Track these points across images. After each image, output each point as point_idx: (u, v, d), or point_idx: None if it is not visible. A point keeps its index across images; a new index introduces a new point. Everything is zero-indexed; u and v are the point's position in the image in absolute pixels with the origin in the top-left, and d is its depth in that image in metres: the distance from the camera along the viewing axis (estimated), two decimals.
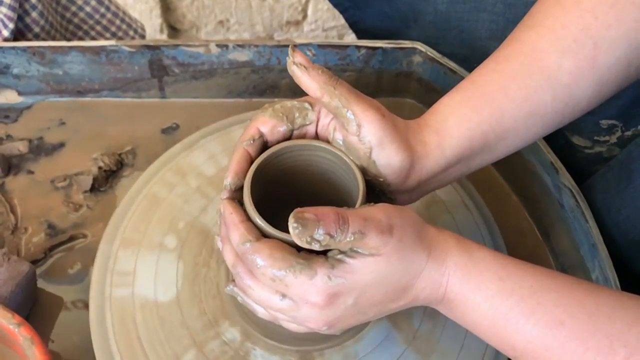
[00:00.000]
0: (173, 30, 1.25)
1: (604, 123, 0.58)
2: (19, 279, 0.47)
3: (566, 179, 0.54)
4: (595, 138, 0.59)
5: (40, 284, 0.51)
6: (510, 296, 0.36)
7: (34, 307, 0.50)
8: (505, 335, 0.36)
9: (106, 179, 0.58)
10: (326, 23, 1.25)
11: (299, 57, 0.38)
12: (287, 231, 0.36)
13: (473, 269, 0.37)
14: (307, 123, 0.41)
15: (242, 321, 0.46)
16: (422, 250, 0.37)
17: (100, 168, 0.58)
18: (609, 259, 0.49)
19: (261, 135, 0.41)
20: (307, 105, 0.41)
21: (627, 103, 0.56)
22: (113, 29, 0.73)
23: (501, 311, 0.36)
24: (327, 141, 0.42)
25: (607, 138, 0.59)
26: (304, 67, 0.38)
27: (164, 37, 1.24)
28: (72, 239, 0.55)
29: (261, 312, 0.40)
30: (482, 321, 0.37)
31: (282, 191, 0.43)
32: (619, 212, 0.51)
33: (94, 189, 0.58)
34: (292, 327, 0.39)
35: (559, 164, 0.55)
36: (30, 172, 0.59)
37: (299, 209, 0.34)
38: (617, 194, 0.51)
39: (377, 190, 0.42)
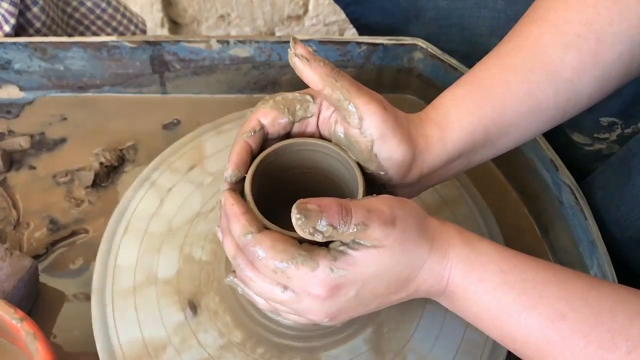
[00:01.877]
0: (174, 24, 1.25)
1: (604, 120, 0.58)
2: (22, 274, 0.47)
3: (566, 176, 0.54)
4: (595, 135, 0.59)
5: (42, 278, 0.51)
6: (513, 289, 0.36)
7: (36, 302, 0.50)
8: (506, 327, 0.36)
9: (107, 175, 0.59)
10: (327, 18, 1.25)
11: (300, 49, 0.38)
12: (288, 228, 0.36)
13: (475, 261, 0.37)
14: (308, 115, 0.41)
15: (242, 315, 0.46)
16: (424, 242, 0.37)
17: (101, 164, 0.58)
18: (608, 256, 0.49)
19: (262, 127, 0.41)
20: (308, 97, 0.41)
21: (627, 101, 0.56)
22: (114, 24, 0.73)
23: (503, 304, 0.36)
24: (328, 134, 0.42)
25: (607, 135, 0.59)
26: (306, 59, 0.38)
27: (165, 31, 1.24)
28: (73, 234, 0.55)
29: (262, 303, 0.40)
30: (484, 314, 0.37)
31: (282, 188, 0.43)
32: (618, 209, 0.51)
33: (96, 184, 0.58)
34: (293, 318, 0.39)
35: (558, 162, 0.55)
36: (32, 168, 0.59)
37: (301, 200, 0.34)
38: (616, 191, 0.51)
39: (378, 184, 0.42)
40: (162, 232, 0.51)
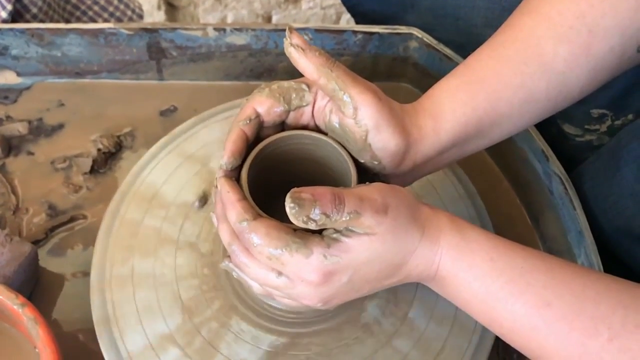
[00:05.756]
0: (171, 7, 1.24)
1: (595, 112, 0.58)
2: (22, 259, 0.48)
3: (556, 166, 0.55)
4: (586, 127, 0.60)
5: (42, 263, 0.52)
6: (501, 276, 0.37)
7: (35, 286, 0.51)
8: (494, 313, 0.37)
9: (105, 161, 0.59)
10: (324, 1, 1.25)
11: (296, 39, 0.38)
12: (283, 218, 0.36)
13: (465, 249, 0.38)
14: (304, 104, 0.42)
15: (234, 298, 0.47)
16: (416, 230, 0.38)
17: (99, 150, 0.59)
18: (595, 245, 0.50)
19: (257, 115, 0.41)
20: (304, 86, 0.41)
21: (618, 93, 0.56)
22: (111, 9, 0.73)
23: (491, 290, 0.37)
24: (323, 123, 0.42)
25: (597, 127, 0.59)
26: (301, 48, 0.38)
27: (162, 14, 1.23)
28: (72, 219, 0.55)
29: (256, 287, 0.40)
30: (472, 299, 0.38)
31: (277, 178, 0.44)
32: (606, 199, 0.52)
33: (94, 170, 0.58)
34: (286, 302, 0.40)
35: (549, 152, 0.56)
36: (30, 153, 0.59)
37: (295, 189, 0.35)
38: (605, 181, 0.52)
39: (371, 173, 0.42)
40: (163, 212, 0.51)
